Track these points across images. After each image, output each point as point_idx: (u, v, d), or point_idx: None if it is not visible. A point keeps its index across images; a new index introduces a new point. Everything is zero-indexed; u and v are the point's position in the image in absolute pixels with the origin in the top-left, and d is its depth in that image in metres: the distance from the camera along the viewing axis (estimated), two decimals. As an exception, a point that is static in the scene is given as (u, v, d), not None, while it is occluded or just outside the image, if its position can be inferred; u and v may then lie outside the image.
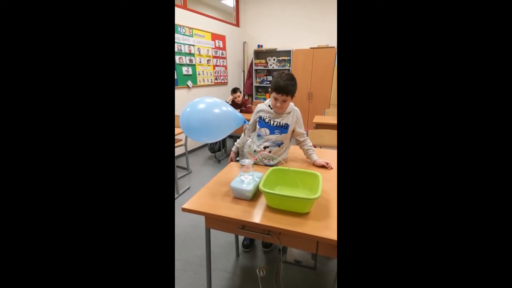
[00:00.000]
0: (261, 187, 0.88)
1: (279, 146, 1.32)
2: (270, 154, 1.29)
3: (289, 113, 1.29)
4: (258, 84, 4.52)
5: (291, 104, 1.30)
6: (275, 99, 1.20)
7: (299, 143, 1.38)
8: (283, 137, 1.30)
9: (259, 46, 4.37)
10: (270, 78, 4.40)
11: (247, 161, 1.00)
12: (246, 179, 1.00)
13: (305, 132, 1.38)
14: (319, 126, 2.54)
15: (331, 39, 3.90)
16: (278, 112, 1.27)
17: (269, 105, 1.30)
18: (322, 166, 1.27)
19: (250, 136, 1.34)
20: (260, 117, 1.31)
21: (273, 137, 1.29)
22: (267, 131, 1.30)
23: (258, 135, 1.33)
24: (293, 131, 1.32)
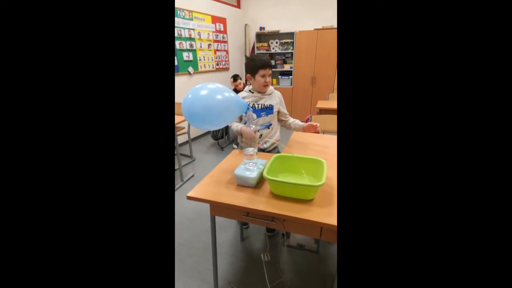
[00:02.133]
0: (265, 174, 0.88)
1: (269, 128, 1.37)
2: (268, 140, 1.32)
3: (270, 94, 1.34)
4: (260, 69, 4.40)
5: (271, 87, 1.36)
6: (263, 76, 1.24)
7: (284, 123, 1.44)
8: (270, 118, 1.35)
9: (261, 28, 4.22)
10: (272, 62, 4.28)
11: (251, 150, 0.99)
12: (250, 166, 1.00)
13: (287, 113, 1.46)
14: (322, 111, 2.50)
15: (336, 19, 3.74)
16: (265, 89, 1.30)
17: (249, 91, 1.33)
18: (311, 127, 1.31)
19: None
20: None
21: (260, 119, 1.34)
22: (254, 115, 1.33)
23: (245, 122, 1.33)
24: (278, 112, 1.38)
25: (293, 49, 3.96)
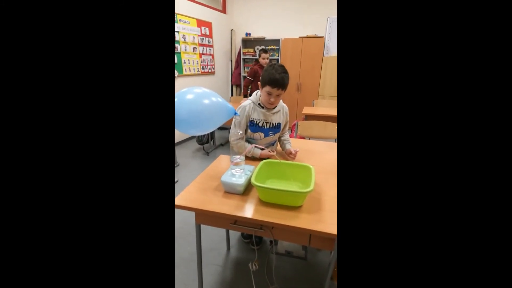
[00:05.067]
0: (253, 181, 0.86)
1: (273, 145, 1.31)
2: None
3: (278, 111, 1.23)
4: (246, 74, 4.42)
5: (280, 101, 1.24)
6: (269, 93, 1.10)
7: (279, 137, 1.36)
8: (276, 135, 1.28)
9: (247, 34, 4.25)
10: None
11: (238, 157, 0.96)
12: (237, 172, 0.97)
13: (288, 129, 1.38)
14: (308, 117, 2.54)
15: (320, 28, 3.86)
16: (270, 107, 1.19)
17: (258, 104, 1.19)
18: (290, 153, 1.22)
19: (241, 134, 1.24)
20: (251, 121, 1.22)
21: (268, 139, 1.26)
22: (262, 135, 1.24)
23: (252, 139, 1.27)
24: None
25: (278, 56, 4.02)
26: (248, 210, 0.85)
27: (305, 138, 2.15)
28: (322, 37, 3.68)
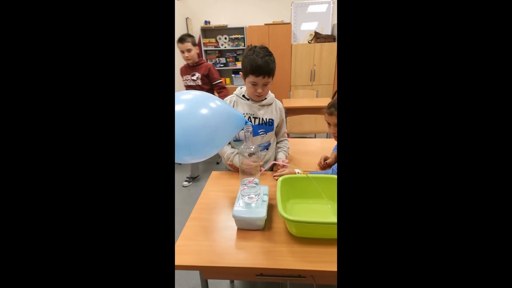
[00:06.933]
0: (281, 212, 0.62)
1: (267, 149, 1.03)
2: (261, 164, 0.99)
3: (269, 104, 1.00)
4: (210, 67, 4.04)
5: (271, 94, 1.02)
6: (254, 84, 0.90)
7: (276, 143, 1.09)
8: (269, 136, 1.01)
9: (206, 22, 3.84)
10: (223, 60, 3.96)
11: (252, 181, 0.71)
12: (252, 200, 0.72)
13: (286, 131, 1.13)
14: (290, 111, 2.35)
15: (286, 14, 3.67)
16: (258, 99, 0.96)
17: (243, 95, 0.98)
18: (278, 165, 0.98)
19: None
20: None
21: (258, 139, 0.99)
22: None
23: (237, 140, 1.01)
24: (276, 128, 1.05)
25: (244, 46, 3.74)
26: (278, 254, 0.62)
27: (289, 136, 1.96)
28: (289, 23, 3.50)
